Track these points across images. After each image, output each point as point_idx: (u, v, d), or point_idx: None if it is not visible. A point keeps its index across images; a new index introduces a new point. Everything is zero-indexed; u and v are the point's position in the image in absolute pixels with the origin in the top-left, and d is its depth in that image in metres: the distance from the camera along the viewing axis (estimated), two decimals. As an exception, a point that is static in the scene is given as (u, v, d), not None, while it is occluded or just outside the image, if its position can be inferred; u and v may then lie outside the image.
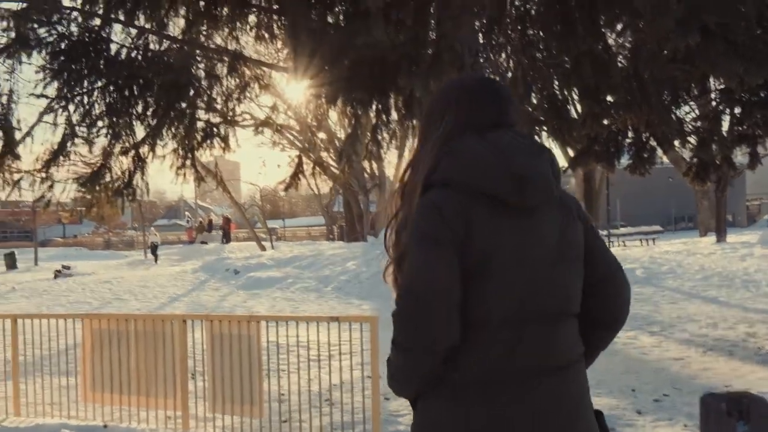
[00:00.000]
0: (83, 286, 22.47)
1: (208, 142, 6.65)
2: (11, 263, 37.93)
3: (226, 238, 45.07)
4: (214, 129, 6.73)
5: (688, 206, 54.25)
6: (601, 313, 2.31)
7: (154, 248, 37.25)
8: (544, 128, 6.02)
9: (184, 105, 6.29)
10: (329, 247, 26.92)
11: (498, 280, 1.99)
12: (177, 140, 6.83)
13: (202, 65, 6.49)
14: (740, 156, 13.72)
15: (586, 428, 2.18)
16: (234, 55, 6.39)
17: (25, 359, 7.47)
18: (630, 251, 26.07)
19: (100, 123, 6.16)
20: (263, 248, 34.22)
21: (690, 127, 9.76)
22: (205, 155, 7.46)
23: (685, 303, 14.12)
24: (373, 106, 5.93)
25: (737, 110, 10.81)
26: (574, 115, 6.98)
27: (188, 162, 7.08)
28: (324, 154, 29.15)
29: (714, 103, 11.85)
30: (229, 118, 7.00)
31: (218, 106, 6.75)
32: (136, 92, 6.08)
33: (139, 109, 6.22)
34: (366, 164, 34.95)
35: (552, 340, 2.07)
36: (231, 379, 5.77)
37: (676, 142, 9.67)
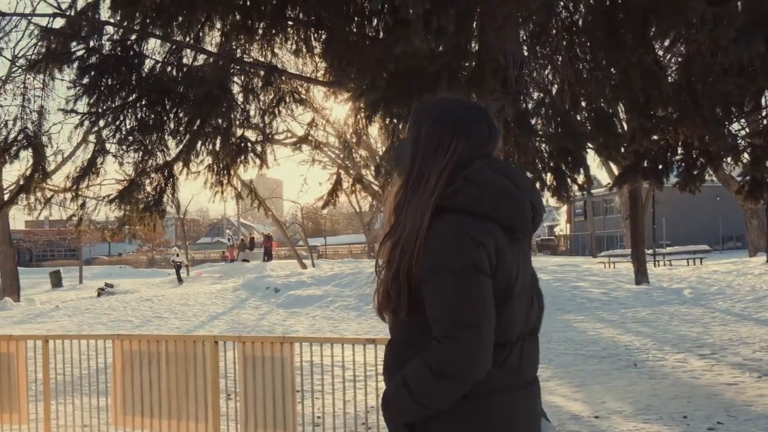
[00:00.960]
0: (125, 304, 22.58)
1: (243, 158, 6.48)
2: (57, 281, 38.48)
3: (268, 256, 45.19)
4: (250, 145, 6.57)
5: (736, 225, 53.09)
6: None
7: (178, 268, 36.85)
8: (590, 144, 5.75)
9: (218, 120, 6.14)
10: (370, 264, 26.69)
11: (518, 302, 2.15)
12: (212, 156, 6.68)
13: (237, 79, 6.33)
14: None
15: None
16: (269, 68, 6.24)
17: (56, 380, 7.37)
18: (676, 271, 25.49)
19: (130, 138, 6.04)
20: (304, 266, 34.16)
21: (743, 143, 9.38)
22: (245, 173, 7.31)
23: (737, 325, 13.62)
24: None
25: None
26: (621, 130, 6.67)
27: (225, 179, 6.92)
28: (365, 171, 29.08)
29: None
30: (266, 133, 6.83)
31: (254, 121, 6.59)
32: (168, 107, 5.97)
33: (172, 124, 6.08)
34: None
35: (536, 353, 2.28)
36: (264, 402, 5.56)
37: (729, 159, 9.28)
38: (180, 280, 35.42)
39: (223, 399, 6.14)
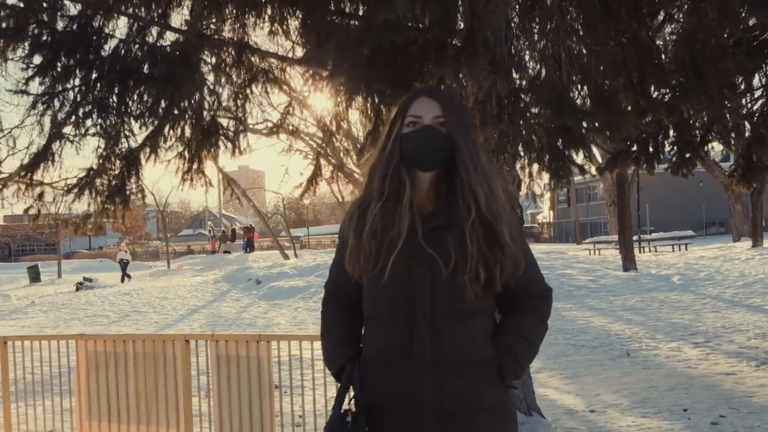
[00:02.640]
0: (103, 299, 22.04)
1: (214, 143, 6.02)
2: (35, 276, 37.75)
3: (250, 247, 44.65)
4: (221, 129, 6.11)
5: (719, 211, 53.16)
6: None
7: (124, 266, 35.10)
8: (595, 123, 5.34)
9: (185, 102, 5.68)
10: (353, 255, 26.24)
11: None
12: (181, 142, 6.23)
13: (205, 57, 5.86)
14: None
15: None
16: (240, 46, 5.78)
17: (16, 385, 6.91)
18: (663, 257, 25.26)
19: (88, 122, 5.58)
20: (286, 257, 33.67)
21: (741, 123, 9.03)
22: (215, 160, 6.81)
23: (729, 312, 13.34)
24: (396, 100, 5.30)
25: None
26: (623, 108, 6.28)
27: (194, 167, 6.46)
28: (347, 160, 28.62)
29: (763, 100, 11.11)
30: (238, 117, 6.38)
31: (226, 104, 6.14)
32: (130, 87, 5.50)
33: (135, 107, 5.62)
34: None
35: None
36: (240, 404, 5.15)
37: (732, 138, 8.94)
38: (124, 278, 33.05)
39: (195, 402, 5.72)
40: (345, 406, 2.32)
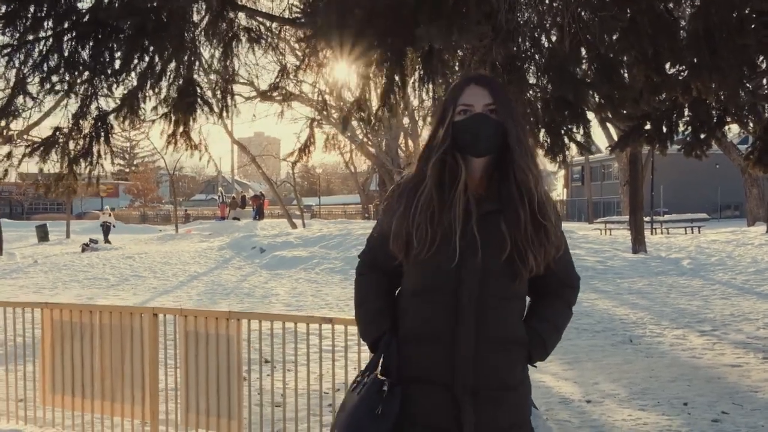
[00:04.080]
0: (105, 261, 21.87)
1: (191, 104, 5.64)
2: (43, 235, 37.67)
3: (259, 215, 44.43)
4: (199, 90, 5.74)
5: (734, 194, 52.50)
6: None
7: (106, 229, 34.40)
8: (593, 97, 4.96)
9: (158, 58, 5.31)
10: (360, 226, 25.97)
11: None
12: (165, 103, 5.87)
13: (183, 11, 5.46)
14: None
15: None
16: (222, 1, 5.39)
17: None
18: (674, 239, 24.80)
19: (54, 78, 5.22)
20: (294, 226, 33.42)
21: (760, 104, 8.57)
22: (194, 122, 6.47)
23: (739, 299, 12.94)
24: (386, 65, 4.92)
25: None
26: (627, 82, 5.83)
27: (179, 129, 6.11)
28: (359, 131, 28.17)
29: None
30: (225, 78, 6.01)
31: (207, 63, 5.77)
32: (102, 42, 5.14)
33: (107, 63, 5.25)
34: (401, 141, 33.91)
35: None
36: (207, 383, 4.85)
37: (748, 119, 8.49)
38: (104, 241, 32.09)
39: (162, 378, 5.42)
40: (380, 376, 2.38)
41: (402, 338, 2.43)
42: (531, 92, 4.78)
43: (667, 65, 6.71)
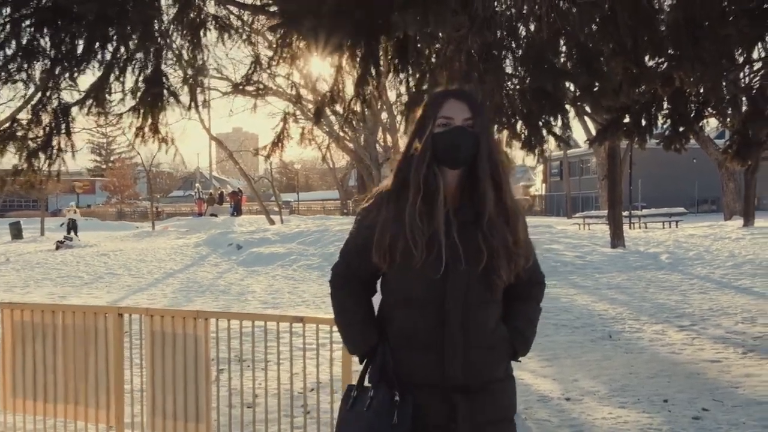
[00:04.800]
0: (80, 259, 21.55)
1: (155, 96, 5.43)
2: (16, 233, 37.11)
3: (237, 211, 44.12)
4: (165, 81, 5.54)
5: (712, 188, 52.85)
6: None
7: (71, 226, 33.47)
8: (572, 85, 4.83)
9: (122, 48, 5.11)
10: (337, 222, 25.79)
11: None
12: (133, 95, 5.66)
13: None
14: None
15: None
16: (189, -14, 5.21)
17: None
18: (653, 234, 24.86)
19: (11, 67, 5.00)
20: (272, 222, 33.18)
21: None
22: (163, 116, 6.24)
23: (717, 293, 12.91)
24: (359, 54, 4.75)
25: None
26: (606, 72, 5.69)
27: (148, 122, 5.91)
28: (336, 125, 27.93)
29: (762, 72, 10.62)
30: (195, 68, 5.82)
31: (176, 55, 5.57)
32: (61, 29, 4.93)
33: (64, 50, 5.03)
34: (380, 136, 33.71)
35: None
36: (174, 384, 4.67)
37: (728, 111, 8.41)
38: (70, 239, 29.96)
39: (128, 381, 5.22)
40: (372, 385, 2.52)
41: (395, 346, 2.52)
42: (508, 83, 4.65)
43: (647, 57, 6.60)
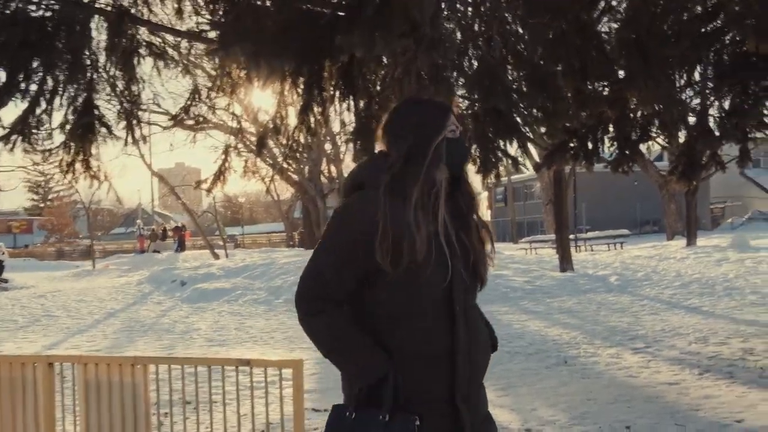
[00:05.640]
0: (15, 301, 20.75)
1: (86, 129, 5.11)
2: (-53, 277, 35.73)
3: (181, 246, 43.32)
4: (96, 112, 5.23)
5: (653, 210, 53.72)
6: None
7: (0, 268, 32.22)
8: (524, 106, 4.67)
9: (50, 77, 4.79)
10: (283, 255, 25.39)
11: None
12: (62, 129, 5.33)
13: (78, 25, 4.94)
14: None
15: None
16: (119, 12, 4.92)
17: None
18: (599, 256, 25.01)
19: None
20: (216, 256, 32.60)
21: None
22: (96, 150, 5.90)
23: (667, 314, 12.92)
24: (302, 80, 4.52)
25: (726, 103, 9.63)
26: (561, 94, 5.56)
27: (79, 157, 5.58)
28: (279, 156, 27.61)
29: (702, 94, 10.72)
30: (129, 100, 5.52)
31: (107, 81, 5.26)
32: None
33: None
34: (324, 167, 33.49)
35: None
36: (112, 439, 4.32)
37: (680, 130, 8.40)
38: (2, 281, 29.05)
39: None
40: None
41: (399, 362, 2.36)
42: (460, 103, 4.47)
43: (595, 79, 6.52)
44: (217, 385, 4.48)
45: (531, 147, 27.79)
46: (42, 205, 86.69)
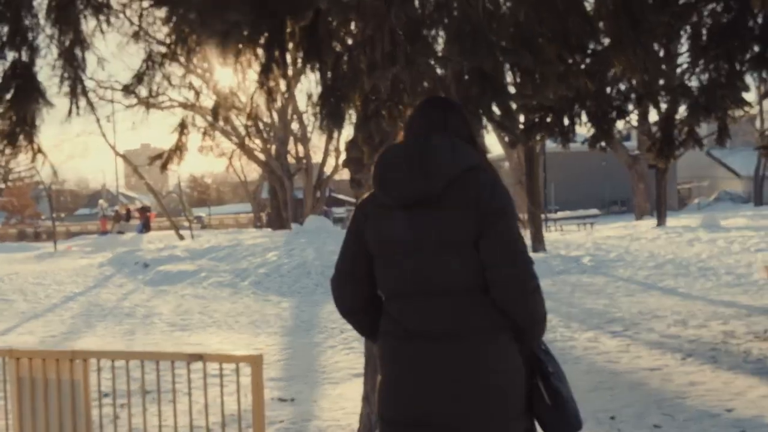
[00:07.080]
0: (-31, 285, 19.96)
1: (22, 93, 4.58)
2: None
3: (146, 227, 42.46)
4: (35, 78, 4.69)
5: (621, 190, 53.88)
6: (499, 302, 2.66)
7: None
8: (514, 67, 4.27)
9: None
10: (250, 236, 24.83)
11: (380, 261, 2.73)
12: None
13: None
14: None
15: (449, 400, 2.54)
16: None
17: None
18: (570, 236, 24.75)
19: None
20: (181, 238, 31.93)
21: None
22: (40, 120, 5.35)
23: (644, 295, 12.64)
24: (261, 39, 4.03)
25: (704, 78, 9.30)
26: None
27: (18, 130, 5.05)
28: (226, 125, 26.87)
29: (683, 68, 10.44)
30: (73, 65, 4.99)
31: (45, 42, 4.74)
32: None
33: None
34: (291, 147, 32.85)
35: (429, 311, 2.59)
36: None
37: (665, 102, 8.04)
38: None
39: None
40: None
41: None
42: (440, 64, 4.02)
43: (579, 46, 6.10)
44: (167, 380, 4.01)
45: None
46: (2, 186, 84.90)
